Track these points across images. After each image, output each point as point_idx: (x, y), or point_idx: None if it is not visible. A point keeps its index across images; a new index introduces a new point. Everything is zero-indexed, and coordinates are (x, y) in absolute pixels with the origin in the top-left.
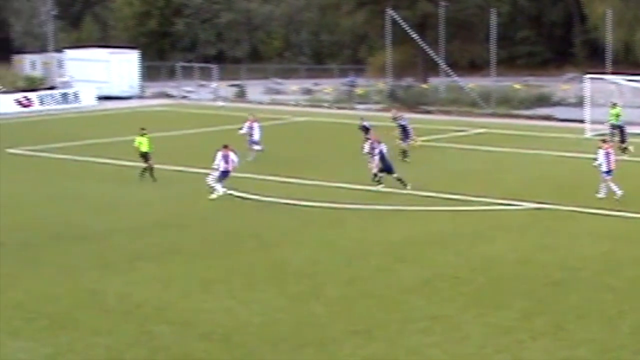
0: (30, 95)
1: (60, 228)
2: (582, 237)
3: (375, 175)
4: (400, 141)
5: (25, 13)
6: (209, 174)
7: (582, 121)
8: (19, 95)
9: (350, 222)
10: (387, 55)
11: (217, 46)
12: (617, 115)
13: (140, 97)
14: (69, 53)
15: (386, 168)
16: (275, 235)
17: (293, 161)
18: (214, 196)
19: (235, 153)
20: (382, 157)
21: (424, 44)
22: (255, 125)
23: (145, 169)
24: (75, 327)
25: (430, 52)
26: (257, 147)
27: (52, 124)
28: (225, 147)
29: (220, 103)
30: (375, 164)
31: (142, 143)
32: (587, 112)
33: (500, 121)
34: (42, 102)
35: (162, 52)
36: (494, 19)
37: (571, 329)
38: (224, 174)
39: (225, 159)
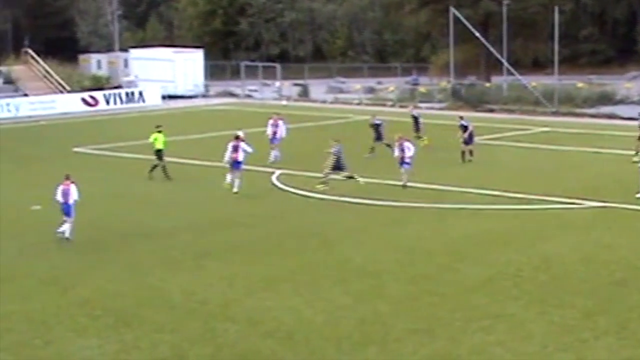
0: (96, 94)
1: (125, 226)
2: None
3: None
4: (464, 144)
5: (91, 13)
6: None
7: None
8: (85, 95)
9: (413, 220)
10: (449, 53)
11: (280, 45)
12: None
13: (205, 96)
14: (134, 52)
15: (338, 167)
16: (338, 234)
17: (355, 160)
18: (226, 185)
19: (247, 144)
20: (338, 157)
21: (487, 43)
22: (281, 123)
23: (155, 166)
24: (140, 324)
25: (493, 50)
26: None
27: (118, 123)
28: (237, 137)
29: (284, 102)
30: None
31: (158, 140)
32: None
33: (563, 120)
34: (107, 101)
35: (226, 52)
36: (556, 17)
37: (634, 328)
38: (237, 165)
39: (235, 149)
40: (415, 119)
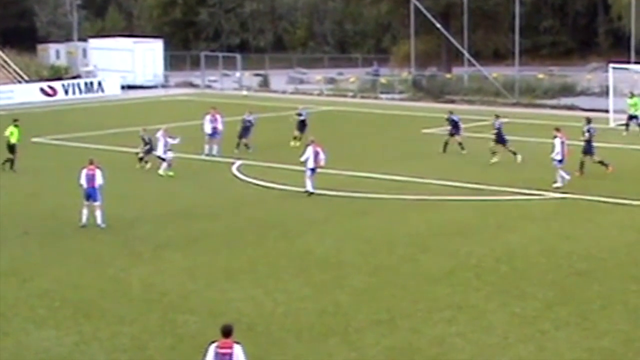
0: (54, 84)
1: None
2: (606, 227)
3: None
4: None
5: (50, 3)
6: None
7: (606, 111)
8: (44, 85)
9: (374, 212)
10: (410, 44)
11: (241, 36)
12: (635, 105)
13: (164, 86)
14: (93, 42)
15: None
16: (299, 225)
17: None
18: (309, 190)
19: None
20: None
21: (448, 34)
22: (219, 117)
23: (7, 160)
24: (100, 315)
25: (454, 41)
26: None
27: (76, 113)
28: (313, 141)
29: (244, 92)
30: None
31: (13, 134)
32: (610, 102)
33: (523, 111)
34: (66, 92)
35: (186, 42)
36: (517, 9)
37: (595, 319)
38: (314, 171)
39: (316, 155)
40: (455, 122)
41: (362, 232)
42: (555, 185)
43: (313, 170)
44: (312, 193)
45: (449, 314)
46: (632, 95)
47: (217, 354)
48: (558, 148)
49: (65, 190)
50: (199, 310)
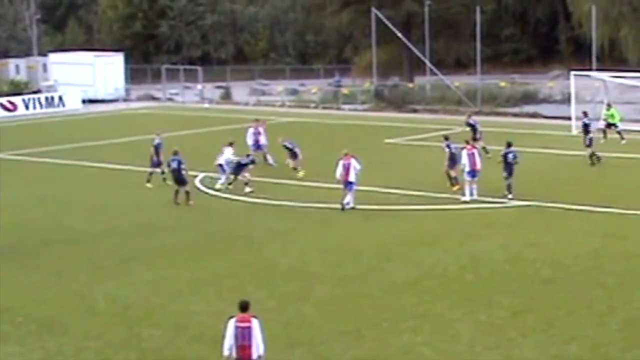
0: (14, 99)
1: (48, 232)
2: (571, 234)
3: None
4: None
5: (9, 17)
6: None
7: (568, 118)
8: (4, 100)
9: (339, 222)
10: (372, 54)
11: (202, 48)
12: (612, 116)
13: (126, 100)
14: (53, 57)
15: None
16: (264, 236)
17: (280, 162)
18: (351, 204)
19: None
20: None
21: (409, 43)
22: (262, 129)
23: None
24: (64, 331)
25: (416, 51)
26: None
27: (38, 128)
28: (347, 154)
29: (206, 105)
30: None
31: None
32: (572, 109)
33: (486, 119)
34: (27, 106)
35: (147, 55)
36: (478, 17)
37: (561, 325)
38: (348, 185)
39: (346, 169)
40: (473, 126)
41: (327, 242)
42: (462, 198)
43: (346, 183)
44: (344, 206)
45: (415, 324)
46: (609, 107)
47: (237, 328)
48: (465, 160)
49: (27, 205)
50: (164, 324)
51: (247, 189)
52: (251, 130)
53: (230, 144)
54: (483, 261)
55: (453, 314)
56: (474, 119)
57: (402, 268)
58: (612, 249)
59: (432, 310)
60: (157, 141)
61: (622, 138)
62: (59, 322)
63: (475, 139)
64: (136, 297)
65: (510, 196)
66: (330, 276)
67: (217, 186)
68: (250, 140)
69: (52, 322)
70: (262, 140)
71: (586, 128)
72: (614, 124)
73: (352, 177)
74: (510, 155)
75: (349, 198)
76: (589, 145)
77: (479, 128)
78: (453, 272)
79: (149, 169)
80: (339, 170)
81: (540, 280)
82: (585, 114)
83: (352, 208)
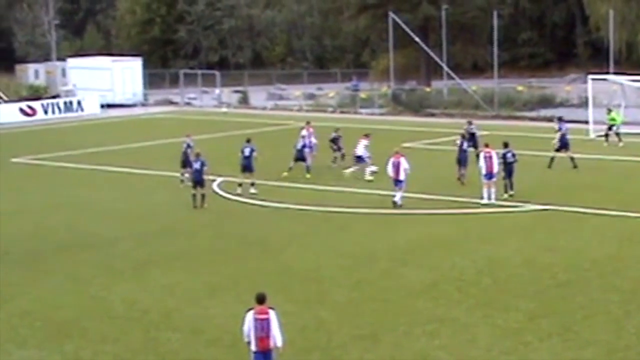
0: (33, 104)
1: (66, 236)
2: (588, 238)
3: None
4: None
5: (28, 23)
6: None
7: (585, 122)
8: (23, 105)
9: (356, 226)
10: (389, 58)
11: (219, 53)
12: (614, 120)
13: (144, 104)
14: (72, 62)
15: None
16: (281, 241)
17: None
18: (398, 201)
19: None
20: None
21: (427, 47)
22: (311, 131)
23: None
24: (82, 335)
25: (433, 55)
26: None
27: (56, 133)
28: (397, 152)
29: (224, 109)
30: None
31: None
32: (590, 113)
33: (503, 123)
34: (45, 111)
35: (165, 60)
36: (495, 21)
37: (578, 330)
38: (397, 183)
39: (396, 167)
40: (472, 135)
41: (343, 246)
42: (481, 202)
43: (395, 181)
44: (395, 203)
45: (431, 328)
46: (610, 111)
47: (256, 320)
48: (482, 163)
49: (45, 210)
50: (181, 328)
51: (252, 190)
52: (304, 132)
53: (366, 136)
54: (499, 265)
55: (469, 318)
56: (473, 127)
57: (418, 272)
58: (629, 254)
59: (448, 315)
60: (188, 143)
61: (620, 140)
62: (77, 326)
63: (474, 146)
64: (153, 301)
65: (511, 192)
66: (346, 280)
67: (367, 177)
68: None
69: (70, 326)
70: (313, 141)
71: (560, 132)
72: (613, 126)
73: (401, 176)
74: (508, 155)
75: (398, 196)
76: (558, 150)
77: (478, 136)
78: (469, 276)
79: (182, 171)
80: (389, 168)
81: (557, 284)
82: (560, 119)
83: (400, 206)
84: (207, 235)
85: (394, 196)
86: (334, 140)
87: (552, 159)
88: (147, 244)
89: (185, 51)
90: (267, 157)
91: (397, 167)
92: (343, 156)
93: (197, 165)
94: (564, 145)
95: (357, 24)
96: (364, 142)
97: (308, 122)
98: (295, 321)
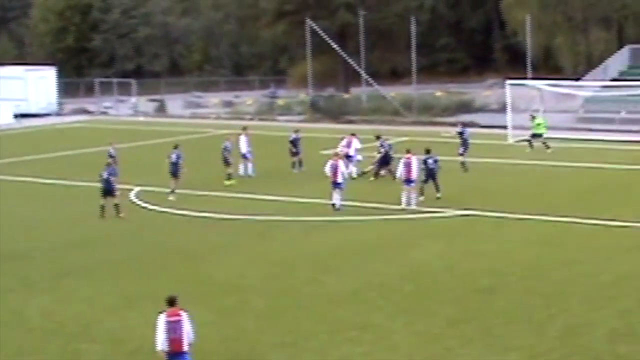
0: None
1: None
2: (509, 242)
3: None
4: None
5: None
6: None
7: (504, 127)
8: None
9: (277, 234)
10: (307, 65)
11: (135, 61)
12: (539, 125)
13: (59, 114)
14: None
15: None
16: (201, 250)
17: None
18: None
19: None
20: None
21: (345, 54)
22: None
23: None
24: None
25: (351, 61)
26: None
27: None
28: (336, 154)
29: (141, 118)
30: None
31: None
32: (509, 118)
33: (422, 129)
34: None
35: (79, 68)
36: (413, 27)
37: (500, 334)
38: (408, 183)
39: (407, 167)
40: (461, 135)
41: (265, 255)
42: (401, 207)
43: (333, 184)
44: (333, 205)
45: (353, 334)
46: (534, 118)
47: (168, 322)
48: (400, 169)
49: None
50: (101, 339)
51: (170, 197)
52: (243, 138)
53: (353, 135)
54: (421, 271)
55: (392, 324)
56: (464, 129)
57: (340, 279)
58: (550, 257)
59: (370, 321)
60: (111, 151)
61: (548, 147)
62: None
63: (461, 154)
64: (71, 312)
65: (438, 195)
66: (267, 289)
67: (354, 175)
68: (244, 149)
69: None
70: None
71: (462, 136)
72: (539, 134)
73: (413, 175)
74: (430, 161)
75: (412, 197)
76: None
77: (468, 139)
78: (391, 282)
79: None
80: (400, 169)
81: (479, 289)
82: (463, 124)
83: (333, 205)
84: (125, 246)
85: (403, 198)
86: (294, 142)
87: (463, 163)
88: (64, 255)
89: (100, 60)
90: (187, 165)
91: (409, 167)
92: (300, 162)
93: (104, 175)
94: (385, 161)
95: (275, 31)
96: (355, 142)
97: (244, 128)
98: (217, 331)
